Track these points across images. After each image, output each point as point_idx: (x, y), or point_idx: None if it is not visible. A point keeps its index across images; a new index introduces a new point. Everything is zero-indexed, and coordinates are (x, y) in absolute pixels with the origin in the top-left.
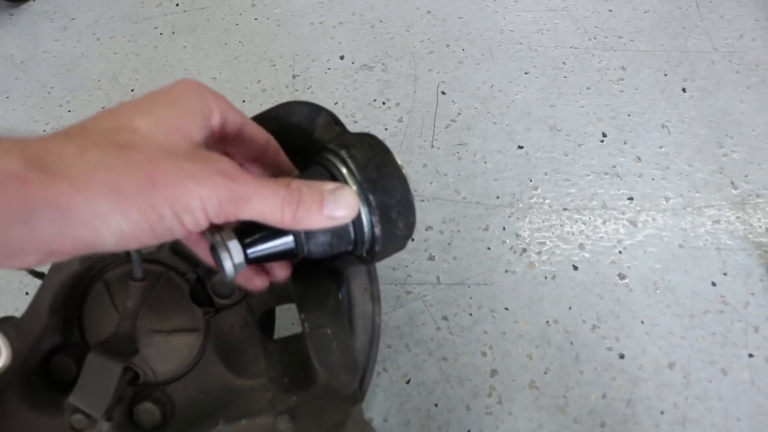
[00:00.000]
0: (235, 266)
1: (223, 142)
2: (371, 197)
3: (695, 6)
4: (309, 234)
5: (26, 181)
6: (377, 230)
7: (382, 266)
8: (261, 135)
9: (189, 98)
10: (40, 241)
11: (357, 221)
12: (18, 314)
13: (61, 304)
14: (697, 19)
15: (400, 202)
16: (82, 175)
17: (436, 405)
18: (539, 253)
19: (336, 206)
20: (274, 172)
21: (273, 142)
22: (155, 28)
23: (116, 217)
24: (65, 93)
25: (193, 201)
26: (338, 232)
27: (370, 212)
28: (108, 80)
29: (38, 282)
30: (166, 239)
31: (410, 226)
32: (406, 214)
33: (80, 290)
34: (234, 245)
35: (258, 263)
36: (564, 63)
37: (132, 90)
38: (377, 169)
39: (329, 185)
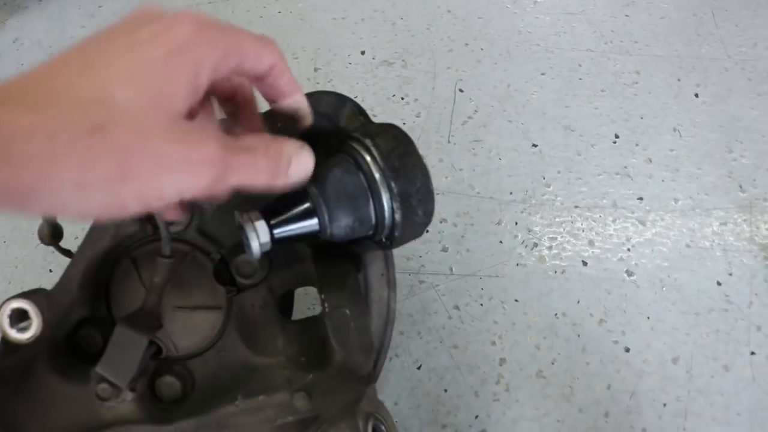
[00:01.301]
0: (261, 245)
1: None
2: (393, 184)
3: (710, 14)
4: (332, 217)
5: None
6: (398, 216)
7: (397, 255)
8: (247, 91)
9: (179, 57)
10: None
11: (378, 207)
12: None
13: (91, 278)
14: (712, 26)
15: (420, 190)
16: (48, 166)
17: (445, 390)
18: (550, 248)
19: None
20: (245, 124)
21: (252, 99)
22: None
23: (76, 205)
24: None
25: (168, 191)
26: (360, 217)
27: (392, 199)
28: None
29: (62, 259)
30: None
31: (429, 214)
32: (426, 201)
33: (109, 265)
34: (261, 226)
35: (284, 243)
36: (580, 65)
37: None
38: (400, 158)
39: (294, 145)
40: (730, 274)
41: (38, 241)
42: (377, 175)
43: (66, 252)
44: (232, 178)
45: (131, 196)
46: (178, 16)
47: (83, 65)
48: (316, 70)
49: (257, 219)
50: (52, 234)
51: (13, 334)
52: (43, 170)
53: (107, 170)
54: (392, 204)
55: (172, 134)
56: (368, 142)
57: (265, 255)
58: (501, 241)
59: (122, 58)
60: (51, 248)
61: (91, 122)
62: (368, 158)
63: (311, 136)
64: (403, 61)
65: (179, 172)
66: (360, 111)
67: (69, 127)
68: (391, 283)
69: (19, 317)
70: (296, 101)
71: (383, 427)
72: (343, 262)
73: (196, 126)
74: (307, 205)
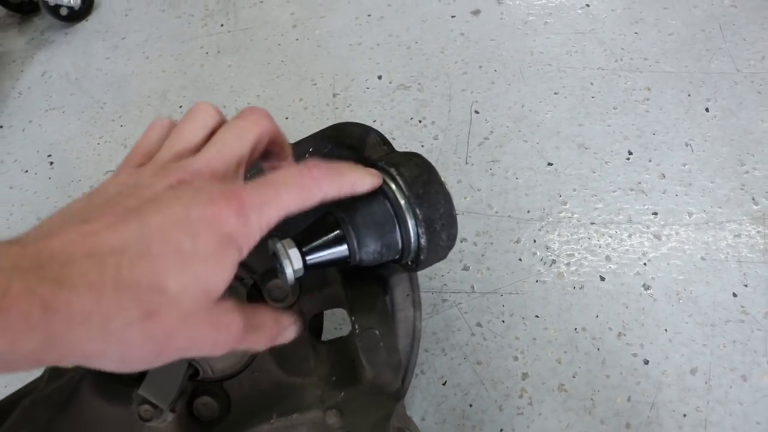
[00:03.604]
0: (295, 272)
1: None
2: (418, 211)
3: (718, 29)
4: (361, 243)
5: (41, 360)
6: (423, 241)
7: (420, 275)
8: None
9: (227, 249)
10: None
11: (404, 232)
12: None
13: None
14: (720, 41)
15: (444, 216)
16: (98, 345)
17: (470, 405)
18: (568, 264)
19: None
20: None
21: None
22: (201, 47)
23: (111, 368)
24: (117, 108)
25: (190, 355)
26: (387, 243)
27: (417, 224)
28: (157, 97)
29: None
30: None
31: (452, 238)
32: (449, 226)
33: None
34: (294, 253)
35: (316, 269)
36: (591, 84)
37: (180, 107)
38: (424, 185)
39: (290, 319)
40: (746, 286)
41: None
42: (403, 203)
43: None
44: (240, 346)
45: (159, 362)
46: (224, 194)
47: (140, 249)
48: (334, 95)
49: (290, 247)
50: None
51: None
52: (94, 349)
53: (147, 350)
54: (417, 229)
55: (207, 318)
56: (393, 171)
57: (296, 280)
58: (520, 259)
59: (175, 245)
60: None
61: (144, 309)
62: (393, 186)
63: None
64: (419, 84)
65: (204, 347)
66: (383, 140)
67: (123, 313)
68: (416, 304)
69: None
70: None
71: None
72: (372, 285)
73: (225, 307)
74: (337, 232)
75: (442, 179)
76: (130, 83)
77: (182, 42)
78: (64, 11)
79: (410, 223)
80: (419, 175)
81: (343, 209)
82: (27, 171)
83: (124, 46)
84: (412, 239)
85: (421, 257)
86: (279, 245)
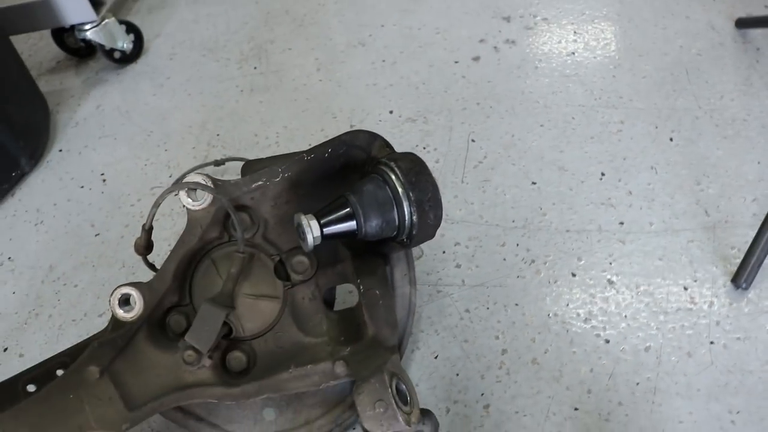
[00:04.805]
0: (315, 239)
1: None
2: (411, 194)
3: (685, 73)
4: (366, 219)
5: None
6: (415, 218)
7: (420, 272)
8: None
9: None
10: None
11: (400, 211)
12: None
13: (181, 271)
14: (686, 83)
15: (431, 199)
16: None
17: (457, 375)
18: (545, 263)
19: None
20: None
21: None
22: (236, 86)
23: None
24: (162, 136)
25: None
26: (387, 219)
27: (410, 205)
28: (197, 127)
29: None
30: None
31: (439, 218)
32: (436, 207)
33: (194, 263)
34: (314, 224)
35: (330, 239)
36: (573, 118)
37: (218, 134)
38: (416, 175)
39: None
40: (695, 281)
41: (121, 265)
42: (399, 189)
43: (151, 266)
44: None
45: None
46: None
47: None
48: (351, 126)
49: (311, 219)
50: (147, 245)
51: (121, 314)
52: None
53: None
54: (411, 209)
55: None
56: (392, 164)
57: (314, 254)
58: (504, 259)
59: None
60: (131, 270)
61: None
62: (393, 176)
63: (350, 164)
64: (424, 118)
65: None
66: (387, 144)
67: None
68: (412, 282)
69: (125, 301)
70: None
71: (404, 387)
72: (375, 257)
73: None
74: (348, 209)
75: (434, 175)
76: (174, 115)
77: (220, 82)
78: (117, 54)
79: (405, 204)
80: (412, 168)
81: (353, 192)
82: (83, 187)
83: (168, 85)
84: (406, 217)
85: (414, 233)
86: (303, 218)
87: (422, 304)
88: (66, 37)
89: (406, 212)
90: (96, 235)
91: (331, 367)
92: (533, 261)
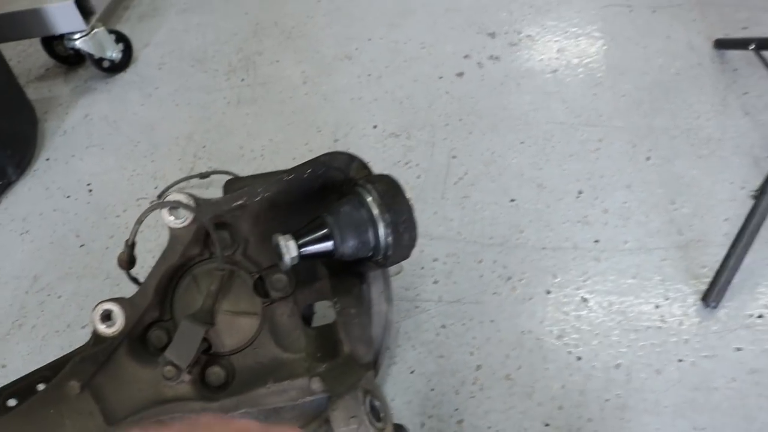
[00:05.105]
0: (292, 259)
1: None
2: (387, 216)
3: (664, 92)
4: (343, 239)
5: None
6: (390, 239)
7: (398, 287)
8: None
9: None
10: None
11: (376, 233)
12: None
13: (163, 287)
14: (665, 102)
15: (406, 221)
16: None
17: (432, 390)
18: (521, 280)
19: None
20: None
21: None
22: (224, 98)
23: None
24: (149, 147)
25: None
26: (363, 240)
27: (386, 227)
28: (184, 138)
29: (123, 291)
30: None
31: (413, 239)
32: (410, 229)
33: (176, 279)
34: (291, 244)
35: (307, 259)
36: (553, 135)
37: (204, 146)
38: (392, 197)
39: None
40: (666, 299)
41: (105, 276)
42: (375, 210)
43: (134, 279)
44: None
45: None
46: None
47: None
48: (335, 140)
49: (289, 239)
50: (129, 260)
51: (102, 329)
52: None
53: None
54: (386, 230)
55: None
56: (369, 186)
57: (293, 272)
58: (481, 276)
59: None
60: (115, 282)
61: None
62: (369, 198)
63: (329, 185)
64: (407, 133)
65: None
66: (364, 165)
67: None
68: (388, 299)
69: (107, 316)
70: None
71: (378, 403)
72: (351, 276)
73: None
74: (325, 230)
75: (408, 195)
76: (161, 126)
77: (207, 93)
78: (106, 63)
79: (380, 225)
80: (388, 190)
81: (330, 213)
82: (69, 196)
83: (157, 95)
84: (382, 238)
85: (389, 254)
86: (281, 239)
87: (400, 319)
88: (55, 44)
89: (381, 233)
90: (81, 246)
91: (307, 383)
92: (509, 278)
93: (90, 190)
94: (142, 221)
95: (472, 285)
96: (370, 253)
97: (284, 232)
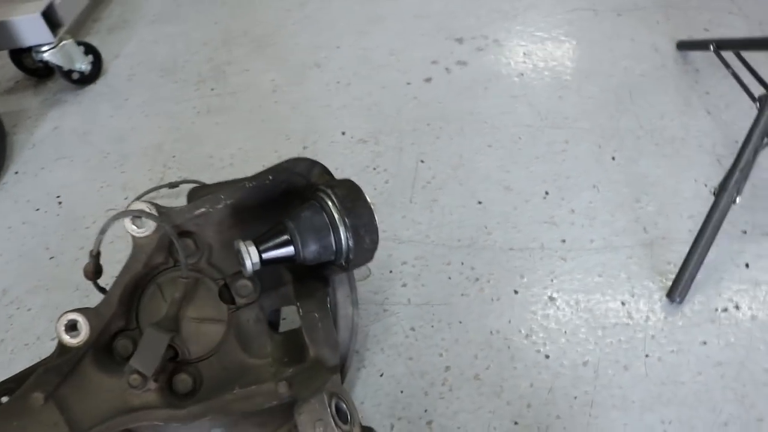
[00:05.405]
0: (253, 264)
1: None
2: (347, 220)
3: (629, 94)
4: (304, 244)
5: None
6: (351, 243)
7: (366, 291)
8: None
9: None
10: None
11: (337, 236)
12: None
13: (127, 296)
14: (629, 103)
15: (367, 224)
16: None
17: (401, 392)
18: (488, 281)
19: None
20: None
21: None
22: (193, 107)
23: None
24: (119, 158)
25: None
26: (324, 245)
27: (346, 230)
28: (154, 148)
29: (93, 302)
30: None
31: (375, 242)
32: (371, 232)
33: (140, 288)
34: (252, 250)
35: (269, 264)
36: (520, 138)
37: (173, 156)
38: (352, 201)
39: None
40: (633, 296)
41: (75, 288)
42: (335, 215)
43: (101, 289)
44: None
45: None
46: None
47: None
48: (304, 147)
49: (250, 245)
50: (95, 271)
51: (67, 339)
52: None
53: None
54: (347, 234)
55: None
56: (329, 191)
57: (257, 277)
58: (450, 278)
59: None
60: (84, 293)
61: None
62: (329, 202)
63: (291, 191)
64: (375, 139)
65: None
66: (326, 171)
67: None
68: (354, 303)
69: (72, 326)
70: None
71: (344, 406)
72: (315, 281)
73: None
74: (286, 236)
75: (369, 199)
76: (131, 137)
77: (177, 103)
78: (75, 75)
79: (341, 229)
80: (348, 195)
81: (291, 219)
82: (38, 209)
83: (126, 106)
84: (343, 242)
85: (351, 257)
86: (242, 245)
87: (368, 323)
88: (24, 57)
89: (342, 237)
90: (50, 258)
91: (274, 388)
92: (477, 279)
93: (60, 203)
94: (105, 231)
95: (441, 287)
96: (333, 257)
97: (247, 239)
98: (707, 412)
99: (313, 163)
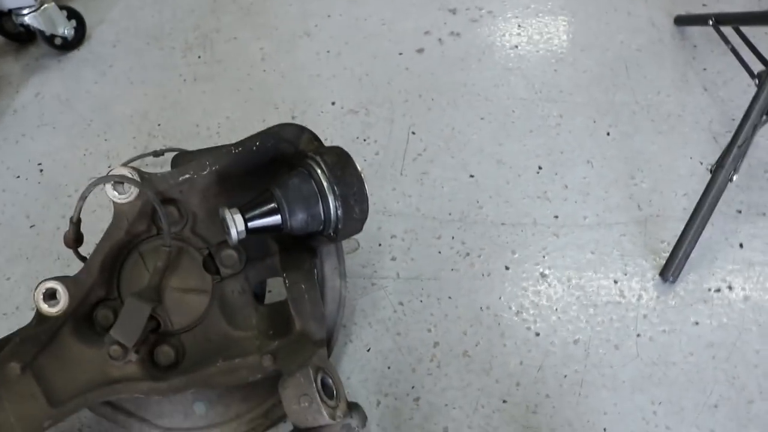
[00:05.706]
0: (239, 233)
1: None
2: (336, 189)
3: (625, 68)
4: (291, 213)
5: None
6: (340, 212)
7: (354, 264)
8: None
9: None
10: None
11: (325, 205)
12: None
13: (108, 265)
14: (625, 78)
15: (357, 193)
16: None
17: (388, 367)
18: (479, 256)
19: None
20: None
21: None
22: (180, 75)
23: None
24: (103, 125)
25: None
26: (312, 214)
27: (335, 199)
28: (139, 116)
29: (74, 270)
30: None
31: (364, 211)
32: (361, 201)
33: (122, 257)
34: (238, 218)
35: (255, 233)
36: (513, 111)
37: (159, 124)
38: (342, 169)
39: None
40: (625, 274)
41: (56, 257)
42: (324, 183)
43: (82, 258)
44: None
45: None
46: None
47: None
48: (293, 117)
49: (236, 213)
50: (76, 239)
51: (45, 308)
52: None
53: None
54: (336, 203)
55: None
56: (318, 158)
57: (242, 247)
58: (440, 252)
59: None
60: (65, 263)
61: None
62: (318, 170)
63: (279, 158)
64: (366, 110)
65: None
66: (315, 138)
67: None
68: (342, 275)
69: (51, 295)
70: None
71: (330, 381)
72: (302, 251)
73: None
74: (273, 204)
75: (359, 167)
76: (115, 105)
77: (163, 71)
78: (58, 41)
79: (330, 198)
80: (338, 162)
81: (278, 186)
82: (18, 177)
83: (111, 73)
84: (332, 211)
85: (340, 227)
86: (227, 212)
87: (356, 297)
88: (4, 21)
89: (331, 206)
90: (31, 227)
91: (258, 361)
92: (468, 254)
93: (41, 170)
94: (86, 197)
95: (431, 261)
96: (321, 227)
97: (231, 205)
98: (698, 393)
99: (302, 130)
